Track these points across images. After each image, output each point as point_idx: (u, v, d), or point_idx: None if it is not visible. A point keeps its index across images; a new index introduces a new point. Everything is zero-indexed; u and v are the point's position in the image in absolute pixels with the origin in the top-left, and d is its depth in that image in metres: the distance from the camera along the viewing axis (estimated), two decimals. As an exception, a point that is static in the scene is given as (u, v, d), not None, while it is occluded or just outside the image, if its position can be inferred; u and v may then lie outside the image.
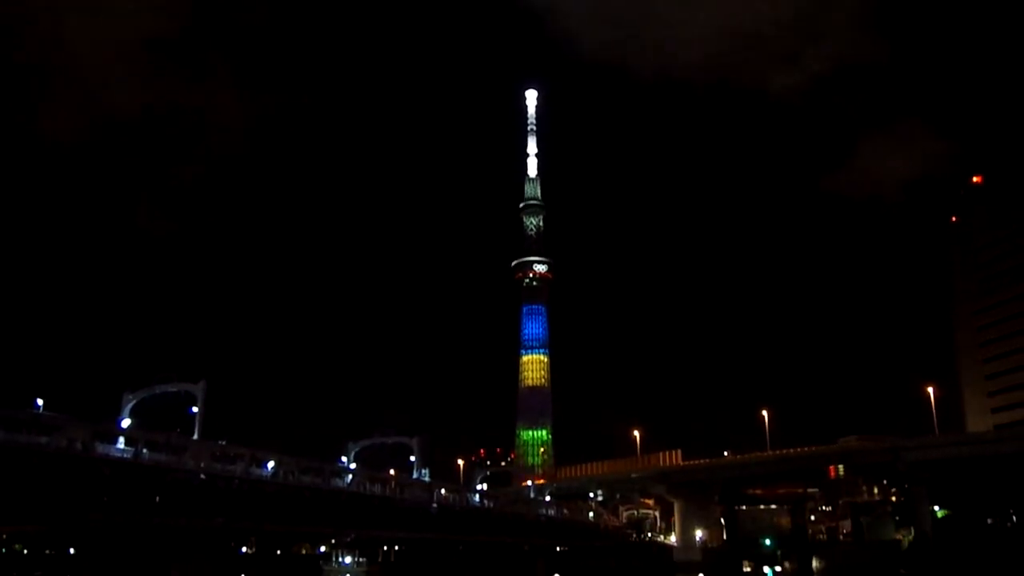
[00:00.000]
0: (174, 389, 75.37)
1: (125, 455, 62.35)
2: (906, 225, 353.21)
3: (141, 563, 62.22)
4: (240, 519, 71.92)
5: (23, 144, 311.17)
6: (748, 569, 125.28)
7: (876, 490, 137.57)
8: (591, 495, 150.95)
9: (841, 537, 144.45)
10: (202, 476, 67.61)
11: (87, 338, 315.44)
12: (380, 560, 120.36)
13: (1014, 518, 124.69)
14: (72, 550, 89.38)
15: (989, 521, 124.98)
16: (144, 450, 63.79)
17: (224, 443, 75.44)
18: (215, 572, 70.64)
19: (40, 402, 60.60)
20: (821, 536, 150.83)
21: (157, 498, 63.08)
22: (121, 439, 64.15)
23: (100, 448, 60.55)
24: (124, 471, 60.83)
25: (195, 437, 71.88)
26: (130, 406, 72.56)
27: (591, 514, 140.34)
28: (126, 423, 70.29)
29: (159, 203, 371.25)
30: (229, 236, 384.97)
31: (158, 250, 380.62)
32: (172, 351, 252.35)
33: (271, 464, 76.41)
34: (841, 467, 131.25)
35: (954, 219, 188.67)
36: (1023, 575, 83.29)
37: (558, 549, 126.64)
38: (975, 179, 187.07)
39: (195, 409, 74.37)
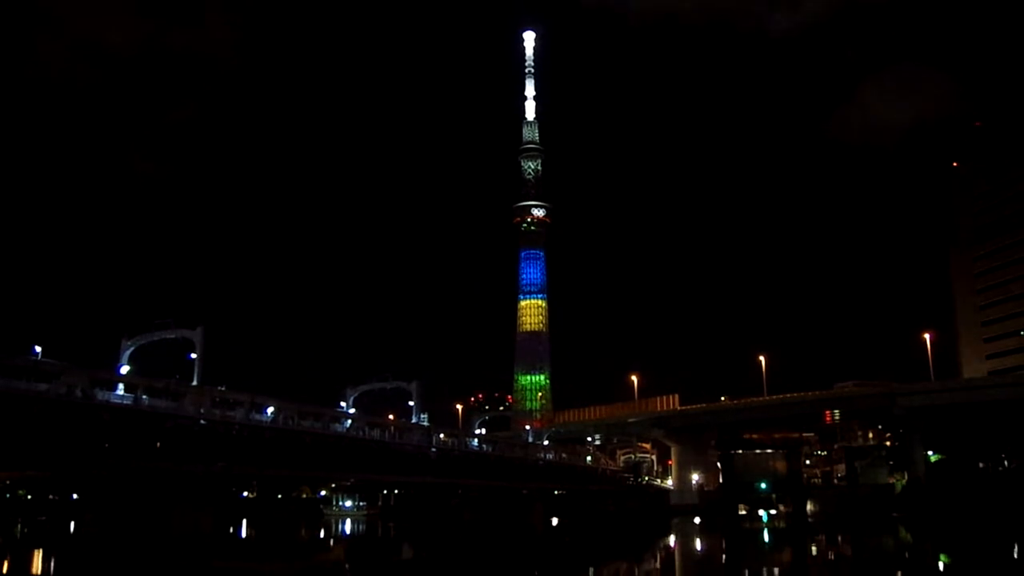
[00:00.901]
0: (172, 335, 75.01)
1: (125, 401, 62.37)
2: (907, 170, 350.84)
3: (143, 508, 62.66)
4: (241, 464, 72.26)
5: (12, 84, 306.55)
6: (744, 512, 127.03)
7: (871, 435, 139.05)
8: (589, 439, 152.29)
9: (835, 481, 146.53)
10: (202, 422, 67.75)
11: (84, 284, 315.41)
12: (380, 503, 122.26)
13: (1006, 463, 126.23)
14: (75, 495, 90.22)
15: (981, 466, 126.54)
16: (144, 396, 63.80)
17: (223, 389, 75.60)
18: (217, 516, 71.25)
19: (38, 349, 60.38)
20: (816, 480, 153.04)
21: (157, 444, 63.27)
22: (120, 386, 64.12)
23: (100, 395, 60.47)
24: (124, 417, 60.87)
25: (194, 383, 71.87)
26: (128, 352, 72.32)
27: (589, 458, 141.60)
28: (125, 370, 70.17)
29: (154, 145, 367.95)
30: (226, 179, 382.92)
31: (154, 193, 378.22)
32: (170, 296, 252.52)
33: (271, 410, 76.61)
34: (837, 412, 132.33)
35: (955, 164, 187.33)
36: (1013, 518, 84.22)
37: (556, 492, 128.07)
38: (977, 124, 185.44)
39: (193, 355, 74.25)
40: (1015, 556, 50.16)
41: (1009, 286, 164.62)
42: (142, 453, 61.67)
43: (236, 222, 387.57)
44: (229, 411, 71.56)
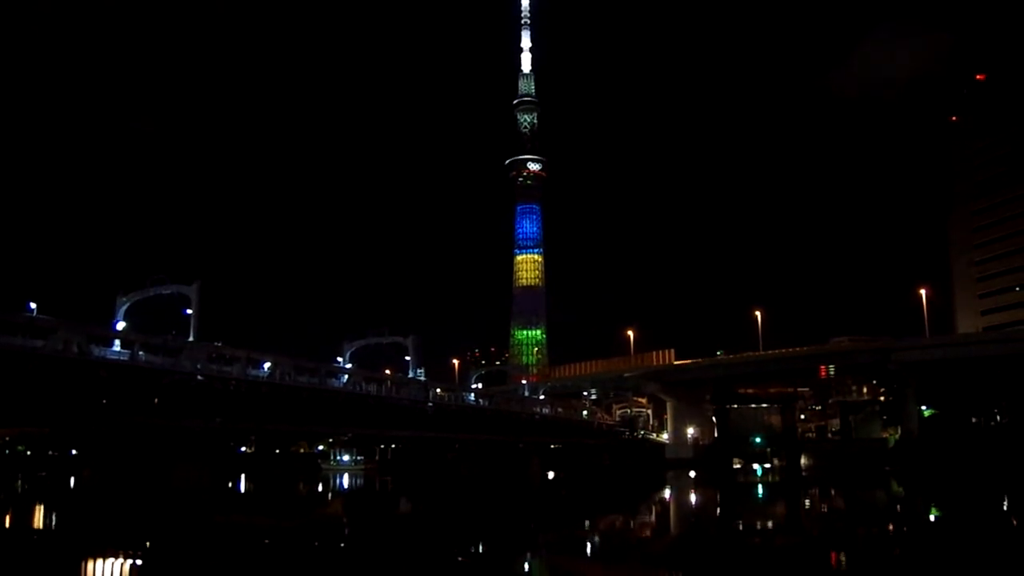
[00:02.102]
0: (168, 291, 75.07)
1: (122, 358, 62.46)
2: (905, 125, 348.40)
3: (142, 463, 63.05)
4: (238, 419, 72.77)
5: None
6: (738, 466, 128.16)
7: (865, 390, 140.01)
8: (585, 394, 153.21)
9: (830, 435, 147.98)
10: (199, 378, 67.92)
11: (79, 241, 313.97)
12: (377, 458, 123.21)
13: (998, 418, 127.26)
14: (74, 451, 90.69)
15: (974, 421, 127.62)
16: (140, 352, 63.89)
17: (220, 345, 75.74)
18: (215, 471, 71.80)
19: (33, 305, 60.30)
20: (810, 434, 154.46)
21: (155, 400, 63.49)
22: (117, 342, 64.20)
23: (96, 351, 60.57)
24: (121, 374, 60.97)
25: (190, 339, 71.93)
26: (124, 308, 72.37)
27: (585, 412, 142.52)
28: (121, 326, 70.22)
29: (148, 99, 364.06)
30: (221, 135, 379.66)
31: (149, 148, 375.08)
32: (165, 252, 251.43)
33: (267, 365, 76.82)
34: (832, 367, 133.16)
35: (954, 118, 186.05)
36: (1003, 473, 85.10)
37: (552, 447, 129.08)
38: (978, 77, 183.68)
39: (189, 311, 74.27)
40: (1004, 509, 50.71)
41: (1006, 241, 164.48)
42: (140, 409, 61.91)
43: (231, 178, 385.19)
44: (226, 367, 71.76)
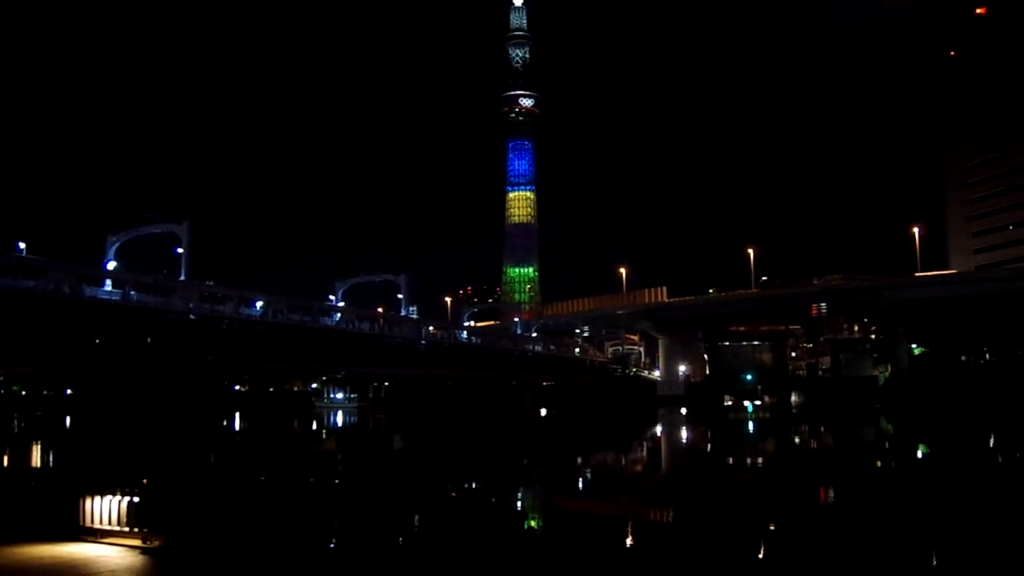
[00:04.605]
0: (158, 230, 74.64)
1: (113, 297, 62.37)
2: (903, 59, 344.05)
3: (135, 402, 63.18)
4: (231, 358, 73.08)
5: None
6: (729, 403, 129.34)
7: (857, 328, 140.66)
8: (577, 331, 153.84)
9: (820, 373, 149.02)
10: (192, 317, 68.03)
11: (67, 179, 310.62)
12: (371, 396, 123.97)
13: (987, 356, 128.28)
14: (69, 391, 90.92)
15: (963, 359, 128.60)
16: (132, 292, 63.81)
17: (212, 284, 75.57)
18: (208, 410, 72.24)
19: (23, 245, 59.78)
20: (801, 372, 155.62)
21: (148, 339, 63.59)
22: (108, 281, 64.01)
23: (88, 291, 60.45)
24: (114, 313, 61.03)
25: (182, 278, 71.74)
26: (114, 248, 71.93)
27: (577, 350, 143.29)
28: (112, 265, 69.90)
29: (137, 36, 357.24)
30: (212, 70, 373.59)
31: (138, 83, 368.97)
32: (155, 190, 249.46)
33: (260, 304, 76.93)
34: (823, 305, 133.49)
35: (953, 53, 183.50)
36: (990, 409, 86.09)
37: (544, 384, 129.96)
38: (979, 11, 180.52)
39: (180, 250, 73.94)
40: (991, 446, 51.35)
41: (1001, 180, 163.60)
42: (133, 348, 61.99)
43: (221, 115, 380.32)
44: (219, 306, 71.87)
